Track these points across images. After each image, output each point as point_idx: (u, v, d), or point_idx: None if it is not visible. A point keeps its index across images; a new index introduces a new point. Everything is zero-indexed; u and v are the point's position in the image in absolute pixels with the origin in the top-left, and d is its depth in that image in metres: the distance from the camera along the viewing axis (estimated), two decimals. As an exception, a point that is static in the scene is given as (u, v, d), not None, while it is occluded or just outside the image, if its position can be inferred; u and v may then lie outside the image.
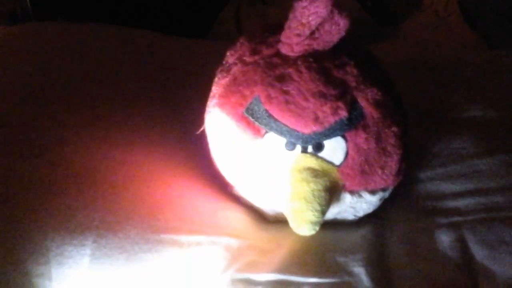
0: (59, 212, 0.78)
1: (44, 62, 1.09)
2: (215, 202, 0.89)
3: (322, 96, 0.75)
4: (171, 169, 0.90)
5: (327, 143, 0.78)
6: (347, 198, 0.84)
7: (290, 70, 0.77)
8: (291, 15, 0.76)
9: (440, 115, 1.09)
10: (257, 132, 0.79)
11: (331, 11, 0.74)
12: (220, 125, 0.82)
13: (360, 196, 0.84)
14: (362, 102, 0.78)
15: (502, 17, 1.92)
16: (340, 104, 0.76)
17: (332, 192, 0.80)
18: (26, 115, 0.94)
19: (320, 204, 0.77)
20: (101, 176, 0.85)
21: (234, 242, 0.82)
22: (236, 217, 0.88)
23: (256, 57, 0.81)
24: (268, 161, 0.80)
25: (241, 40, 0.85)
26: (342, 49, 0.79)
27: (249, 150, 0.80)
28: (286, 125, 0.77)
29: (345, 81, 0.78)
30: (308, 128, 0.76)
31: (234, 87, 0.80)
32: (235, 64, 0.83)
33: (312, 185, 0.77)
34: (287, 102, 0.76)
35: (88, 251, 0.76)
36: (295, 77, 0.76)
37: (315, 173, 0.78)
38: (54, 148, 0.87)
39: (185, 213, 0.84)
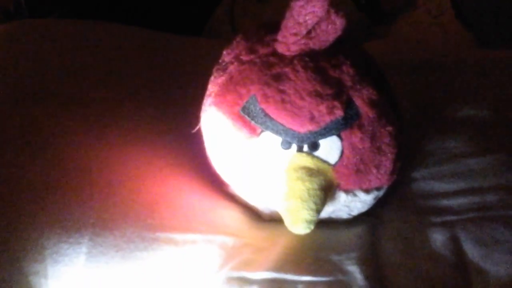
0: (55, 210, 0.78)
1: (39, 60, 1.09)
2: (211, 200, 0.89)
3: (318, 95, 0.76)
4: (167, 168, 0.90)
5: (322, 142, 0.78)
6: (341, 197, 0.84)
7: (287, 69, 0.77)
8: (287, 14, 0.77)
9: (435, 114, 1.09)
10: (253, 131, 0.79)
11: (328, 11, 0.75)
12: (216, 123, 0.82)
13: (355, 195, 0.84)
14: (358, 102, 0.78)
15: (495, 15, 1.93)
16: (336, 103, 0.76)
17: (327, 191, 0.80)
18: (21, 114, 0.93)
19: (315, 203, 0.77)
20: (97, 174, 0.84)
21: (229, 241, 0.82)
22: (232, 216, 0.88)
23: (253, 56, 0.81)
24: (263, 160, 0.80)
25: (237, 39, 0.85)
26: (338, 49, 0.79)
27: (245, 149, 0.81)
28: (282, 124, 0.77)
29: (341, 81, 0.78)
30: (304, 127, 0.77)
31: (230, 86, 0.80)
32: (232, 63, 0.83)
33: (308, 184, 0.78)
34: (283, 101, 0.76)
35: (84, 249, 0.76)
36: (292, 76, 0.76)
37: (311, 172, 0.79)
38: (49, 147, 0.87)
39: (181, 212, 0.84)
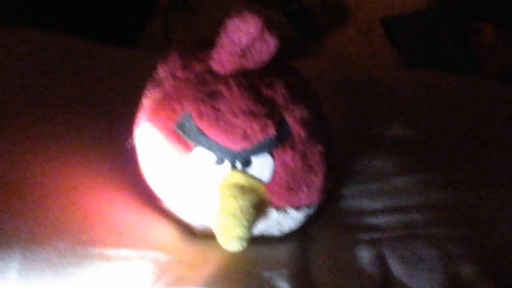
0: (-16, 223, 0.76)
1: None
2: (144, 216, 0.88)
3: (252, 114, 0.77)
4: (101, 182, 0.89)
5: (255, 159, 0.80)
6: (273, 214, 0.85)
7: (221, 87, 0.78)
8: (222, 33, 0.78)
9: (363, 133, 1.12)
10: (187, 147, 0.79)
11: (262, 31, 0.76)
12: (150, 139, 0.82)
13: (286, 212, 0.86)
14: (290, 121, 0.80)
15: (421, 36, 2.00)
16: (269, 122, 0.77)
17: (259, 208, 0.81)
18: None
19: (247, 220, 0.78)
20: (29, 188, 0.83)
21: (162, 256, 0.82)
22: (165, 232, 0.88)
23: (188, 73, 0.81)
24: (197, 176, 0.81)
25: (172, 55, 0.85)
26: (272, 68, 0.81)
27: (179, 164, 0.81)
28: (216, 141, 0.78)
29: (274, 100, 0.79)
30: (237, 145, 0.78)
31: (165, 101, 0.81)
32: (167, 78, 0.83)
33: (240, 201, 0.78)
34: (217, 119, 0.77)
35: (15, 264, 0.74)
36: (226, 94, 0.77)
37: (243, 190, 0.79)
38: None
39: (114, 227, 0.84)
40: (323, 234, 0.92)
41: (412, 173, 1.02)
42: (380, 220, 0.93)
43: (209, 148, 0.78)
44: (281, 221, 0.87)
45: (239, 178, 0.80)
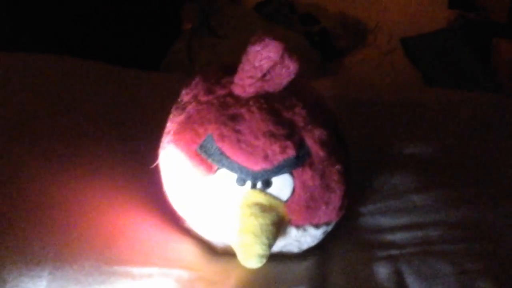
0: (16, 244, 0.79)
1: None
2: (167, 234, 0.91)
3: (272, 135, 0.79)
4: (125, 202, 0.92)
5: (275, 179, 0.82)
6: (292, 232, 0.87)
7: (242, 110, 0.81)
8: (244, 58, 0.80)
9: (381, 151, 1.13)
10: (209, 169, 0.82)
11: (282, 56, 0.79)
12: (174, 160, 0.85)
13: (305, 230, 0.87)
14: (309, 142, 0.82)
15: (440, 56, 2.01)
16: (289, 143, 0.80)
17: (279, 226, 0.83)
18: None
19: (267, 238, 0.80)
20: (56, 208, 0.85)
21: (184, 274, 0.84)
22: (187, 250, 0.90)
23: (210, 97, 0.84)
24: (219, 196, 0.83)
25: (196, 80, 0.89)
26: (291, 91, 0.84)
27: (201, 185, 0.83)
28: (237, 162, 0.80)
29: (293, 122, 0.82)
30: (258, 166, 0.80)
31: (188, 124, 0.83)
32: (190, 102, 0.86)
33: (260, 220, 0.80)
34: (238, 141, 0.79)
35: (44, 282, 0.77)
36: (247, 117, 0.80)
37: (263, 208, 0.81)
38: (10, 182, 0.87)
39: (138, 245, 0.86)
40: (341, 251, 0.94)
41: (429, 190, 1.03)
42: (397, 236, 0.95)
43: (231, 169, 0.81)
44: (300, 238, 0.89)
45: (259, 197, 0.82)
